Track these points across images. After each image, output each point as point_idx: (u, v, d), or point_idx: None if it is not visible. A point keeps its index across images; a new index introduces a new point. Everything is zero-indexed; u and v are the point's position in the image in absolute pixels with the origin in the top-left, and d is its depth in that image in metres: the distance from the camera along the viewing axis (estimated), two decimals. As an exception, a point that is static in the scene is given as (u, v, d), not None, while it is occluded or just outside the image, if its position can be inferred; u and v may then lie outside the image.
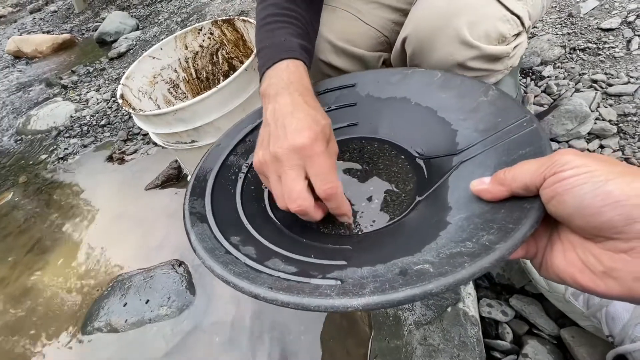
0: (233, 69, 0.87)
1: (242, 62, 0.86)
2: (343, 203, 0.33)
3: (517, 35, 0.46)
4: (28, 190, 1.21)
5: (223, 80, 0.92)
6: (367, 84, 0.47)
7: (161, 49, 0.77)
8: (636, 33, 0.84)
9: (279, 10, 0.47)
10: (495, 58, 0.46)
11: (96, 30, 2.41)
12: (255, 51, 0.54)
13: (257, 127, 0.46)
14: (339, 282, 0.25)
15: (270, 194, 0.41)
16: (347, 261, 0.28)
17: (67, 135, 1.42)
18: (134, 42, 2.06)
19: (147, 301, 0.72)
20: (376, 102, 0.46)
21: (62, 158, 1.31)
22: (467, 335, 0.47)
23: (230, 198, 0.39)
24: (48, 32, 2.79)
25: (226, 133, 0.47)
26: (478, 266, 0.22)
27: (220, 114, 0.61)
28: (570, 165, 0.20)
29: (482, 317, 0.52)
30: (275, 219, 0.38)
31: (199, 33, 0.79)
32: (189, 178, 0.81)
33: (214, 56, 0.84)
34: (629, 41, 0.84)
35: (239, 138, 0.45)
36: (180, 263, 0.78)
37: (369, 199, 0.39)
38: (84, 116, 1.49)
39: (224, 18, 0.77)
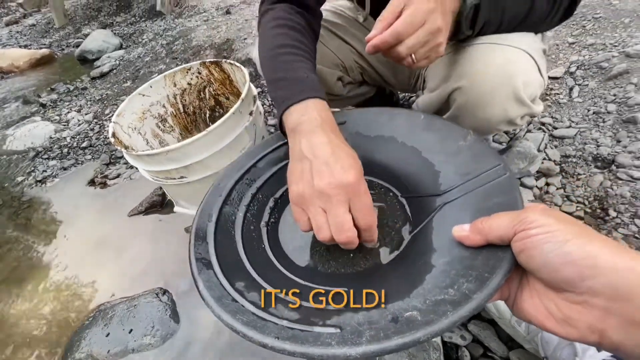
0: (219, 104, 0.93)
1: (228, 99, 0.91)
2: (376, 233, 0.37)
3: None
4: (3, 214, 1.18)
5: (209, 114, 0.97)
6: (356, 122, 0.51)
7: (151, 87, 0.81)
8: (577, 82, 0.97)
9: (292, 42, 0.49)
10: (528, 117, 0.52)
11: (77, 46, 2.41)
12: (266, 80, 0.50)
13: (254, 166, 0.49)
14: (338, 330, 0.27)
15: (269, 234, 0.44)
16: (344, 305, 0.31)
17: (45, 156, 1.41)
18: (117, 62, 2.07)
19: (131, 330, 0.74)
20: (365, 140, 0.49)
21: (40, 181, 1.29)
22: (430, 359, 0.53)
23: (231, 241, 0.41)
24: (25, 47, 2.73)
25: (224, 173, 0.48)
26: (459, 315, 0.25)
27: (209, 153, 0.66)
28: (536, 223, 0.23)
29: (444, 342, 0.58)
30: (275, 260, 0.40)
31: (187, 72, 0.85)
32: (175, 209, 0.85)
33: (201, 92, 0.89)
34: (571, 89, 0.96)
35: (236, 177, 0.47)
36: (165, 291, 0.80)
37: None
38: (64, 137, 1.48)
39: (211, 60, 0.82)
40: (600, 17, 1.13)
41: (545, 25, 0.52)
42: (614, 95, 0.88)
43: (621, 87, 0.89)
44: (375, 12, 0.71)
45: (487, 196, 0.35)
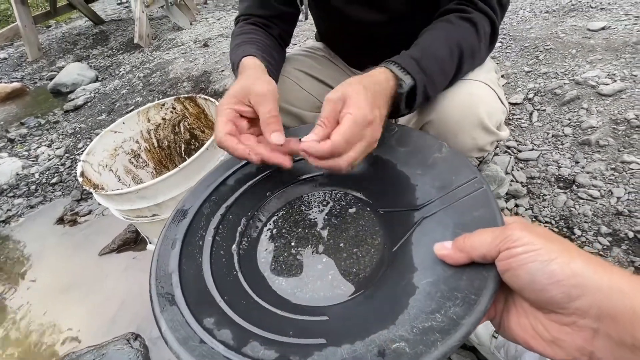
0: (195, 137, 0.93)
1: (203, 132, 0.91)
2: (237, 149, 0.41)
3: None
4: (-40, 259, 1.10)
5: (185, 148, 0.97)
6: None
7: (123, 123, 0.81)
8: (535, 108, 1.04)
9: (242, 38, 0.58)
10: (497, 142, 0.56)
11: (51, 79, 2.37)
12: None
13: (222, 184, 0.46)
14: None
15: (240, 259, 0.40)
16: (326, 338, 0.28)
17: (11, 194, 1.34)
18: (93, 95, 2.05)
19: (98, 383, 0.68)
20: None
21: (3, 221, 1.23)
22: (413, 394, 0.52)
23: (198, 269, 0.37)
24: (-5, 81, 2.67)
25: (191, 191, 0.45)
26: (449, 345, 0.24)
27: (182, 190, 0.65)
28: (520, 242, 0.23)
29: (427, 373, 0.57)
30: (248, 287, 0.37)
31: (161, 108, 0.85)
32: (148, 246, 0.82)
33: (176, 127, 0.89)
34: (530, 114, 1.03)
35: (204, 196, 0.44)
36: (137, 337, 0.75)
37: (341, 255, 0.39)
38: (32, 174, 1.43)
39: (186, 95, 0.83)
40: (550, 48, 1.23)
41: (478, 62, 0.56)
42: (569, 119, 0.95)
43: (574, 111, 0.96)
44: (345, 52, 0.76)
45: (466, 210, 0.34)
